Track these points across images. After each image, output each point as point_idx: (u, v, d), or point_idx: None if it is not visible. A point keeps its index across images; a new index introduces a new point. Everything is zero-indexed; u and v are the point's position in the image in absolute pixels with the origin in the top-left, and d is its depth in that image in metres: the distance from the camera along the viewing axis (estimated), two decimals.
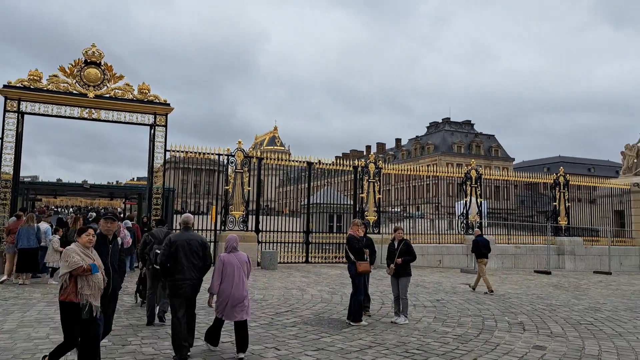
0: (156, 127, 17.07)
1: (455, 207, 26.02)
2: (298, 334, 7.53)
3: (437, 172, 21.65)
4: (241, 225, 17.78)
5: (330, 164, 20.10)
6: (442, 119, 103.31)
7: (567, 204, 23.00)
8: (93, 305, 5.05)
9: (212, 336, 6.61)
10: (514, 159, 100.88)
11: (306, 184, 19.84)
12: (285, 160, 19.57)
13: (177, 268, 6.16)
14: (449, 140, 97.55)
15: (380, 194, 20.24)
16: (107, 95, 16.53)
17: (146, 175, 17.44)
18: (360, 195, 20.01)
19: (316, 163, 19.67)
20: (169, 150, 17.25)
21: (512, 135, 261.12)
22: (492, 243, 21.19)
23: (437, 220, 22.62)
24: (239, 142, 18.34)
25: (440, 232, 21.16)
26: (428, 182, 27.41)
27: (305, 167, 19.67)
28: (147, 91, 17.09)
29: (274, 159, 19.42)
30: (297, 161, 19.44)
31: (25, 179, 30.50)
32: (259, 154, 18.95)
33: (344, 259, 19.67)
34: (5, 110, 15.33)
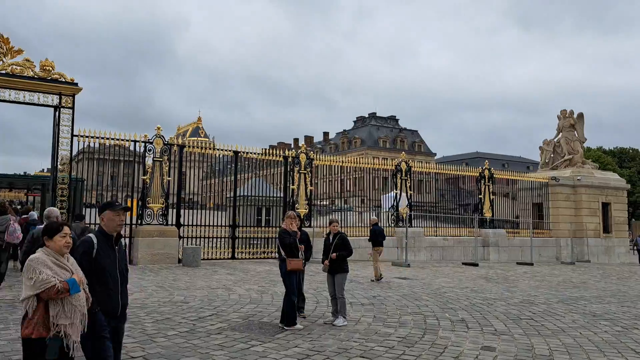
0: (62, 109, 15.17)
1: (381, 200, 25.93)
2: (224, 342, 6.52)
3: (368, 164, 21.21)
4: (160, 219, 16.30)
5: (258, 154, 19.04)
6: (369, 114, 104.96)
7: (491, 197, 23.49)
8: (71, 341, 3.46)
9: None
10: (435, 154, 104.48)
11: (232, 176, 18.63)
12: (210, 149, 18.20)
13: None
14: (375, 134, 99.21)
15: (312, 186, 19.47)
16: (3, 72, 14.44)
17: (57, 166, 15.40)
18: (291, 187, 19.12)
19: (243, 152, 18.53)
20: (76, 136, 15.41)
21: (433, 131, 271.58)
22: (421, 235, 21.22)
23: (366, 213, 22.25)
24: (158, 128, 16.79)
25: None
26: (355, 176, 26.92)
27: (232, 157, 18.45)
28: (50, 68, 15.13)
29: (198, 148, 18.04)
30: (222, 150, 18.16)
31: None
32: (180, 141, 17.51)
33: (274, 255, 18.75)
34: None
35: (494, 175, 23.86)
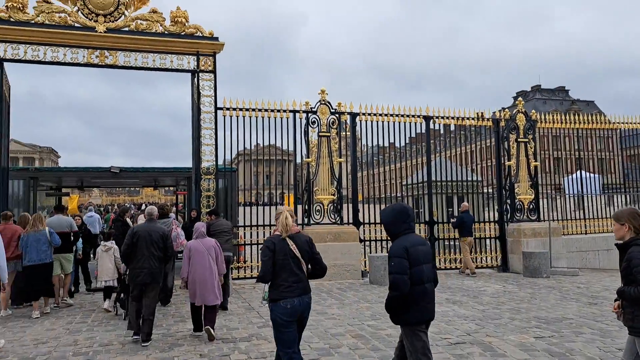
0: (200, 73, 11.28)
1: (565, 183, 18.90)
2: None
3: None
4: (333, 216, 11.66)
5: (457, 119, 13.49)
6: (532, 87, 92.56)
7: None
8: None
9: (195, 321, 6.51)
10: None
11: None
12: (389, 115, 12.92)
13: (137, 257, 6.29)
14: (542, 109, 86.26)
15: (536, 161, 13.40)
16: (126, 29, 10.93)
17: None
18: (507, 163, 13.28)
19: (437, 117, 13.12)
20: (220, 109, 11.42)
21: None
22: None
23: (594, 198, 15.33)
24: (322, 92, 12.18)
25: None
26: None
27: (421, 125, 13.11)
28: (184, 20, 11.33)
29: (374, 115, 12.89)
30: (407, 115, 12.89)
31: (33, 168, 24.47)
32: (352, 107, 12.66)
33: (489, 262, 13.13)
34: None
35: None
